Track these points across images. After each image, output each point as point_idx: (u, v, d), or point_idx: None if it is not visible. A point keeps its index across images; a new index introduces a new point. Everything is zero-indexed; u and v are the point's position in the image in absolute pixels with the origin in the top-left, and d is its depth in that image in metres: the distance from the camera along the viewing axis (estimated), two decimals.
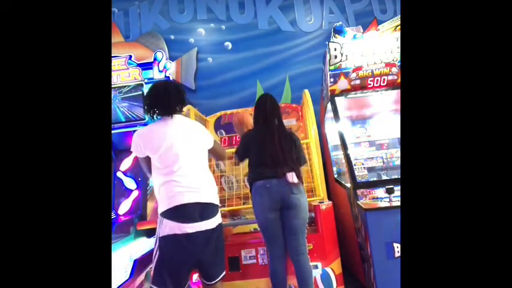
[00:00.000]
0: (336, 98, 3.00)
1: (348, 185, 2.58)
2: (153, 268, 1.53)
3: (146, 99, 1.68)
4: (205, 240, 1.54)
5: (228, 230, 2.49)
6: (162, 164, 1.56)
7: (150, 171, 1.67)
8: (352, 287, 2.49)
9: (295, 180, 1.87)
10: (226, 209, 2.60)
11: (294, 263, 1.89)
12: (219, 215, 1.65)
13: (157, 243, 1.53)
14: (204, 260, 1.55)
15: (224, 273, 1.67)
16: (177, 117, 1.67)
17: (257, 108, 2.10)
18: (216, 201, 1.65)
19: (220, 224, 1.64)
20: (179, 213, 1.50)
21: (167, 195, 1.53)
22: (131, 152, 1.67)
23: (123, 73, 3.48)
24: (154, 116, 1.67)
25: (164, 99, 1.64)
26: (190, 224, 1.50)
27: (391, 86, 2.96)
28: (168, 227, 1.50)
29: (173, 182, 1.53)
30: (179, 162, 1.55)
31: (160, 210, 1.56)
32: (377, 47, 2.91)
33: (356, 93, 3.01)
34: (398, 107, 3.09)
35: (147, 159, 1.65)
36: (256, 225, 2.12)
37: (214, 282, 1.62)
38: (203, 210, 1.55)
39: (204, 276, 1.63)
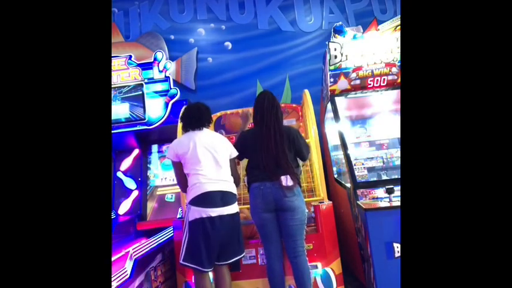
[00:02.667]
0: (336, 98, 2.99)
1: (348, 185, 2.58)
2: (183, 248, 1.84)
3: (182, 115, 2.07)
4: (226, 223, 1.83)
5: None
6: (190, 163, 1.90)
7: (180, 180, 2.00)
8: (352, 287, 2.49)
9: (290, 183, 1.87)
10: None
11: (292, 265, 1.90)
12: (236, 204, 1.94)
13: (186, 227, 1.86)
14: (224, 241, 1.84)
15: (243, 254, 1.95)
16: (205, 130, 2.01)
17: (255, 106, 2.07)
18: (234, 191, 1.94)
19: (237, 212, 1.93)
20: (204, 199, 1.82)
21: (194, 186, 1.86)
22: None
23: (123, 73, 3.47)
24: (188, 129, 2.02)
25: (197, 116, 2.02)
26: (213, 208, 1.81)
27: (391, 86, 2.96)
28: (196, 212, 1.82)
29: (198, 176, 1.87)
30: (202, 162, 1.88)
31: (188, 199, 1.90)
32: (377, 47, 2.90)
33: (356, 93, 3.01)
34: (398, 107, 3.09)
35: (179, 166, 1.95)
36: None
37: (227, 262, 1.88)
38: (224, 197, 1.86)
39: (220, 258, 1.87)
